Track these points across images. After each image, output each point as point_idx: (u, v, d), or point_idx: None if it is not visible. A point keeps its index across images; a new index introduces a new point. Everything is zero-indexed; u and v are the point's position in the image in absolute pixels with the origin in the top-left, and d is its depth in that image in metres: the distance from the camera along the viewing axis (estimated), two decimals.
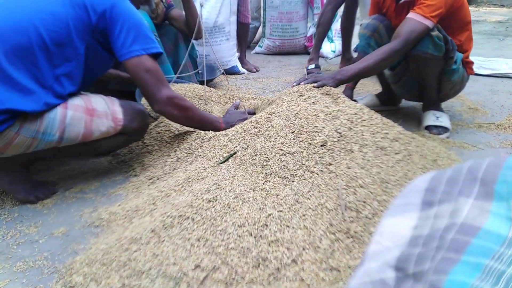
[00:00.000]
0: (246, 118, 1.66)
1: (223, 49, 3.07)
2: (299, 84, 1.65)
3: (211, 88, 2.18)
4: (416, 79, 1.89)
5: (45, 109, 1.25)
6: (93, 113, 1.36)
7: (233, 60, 3.18)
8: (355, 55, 2.58)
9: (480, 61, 3.04)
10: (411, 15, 1.66)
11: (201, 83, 2.14)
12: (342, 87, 2.03)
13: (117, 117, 1.41)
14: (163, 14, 2.26)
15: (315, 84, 1.61)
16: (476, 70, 1.95)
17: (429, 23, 1.62)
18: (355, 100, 1.95)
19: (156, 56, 1.40)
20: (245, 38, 3.39)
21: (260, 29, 4.07)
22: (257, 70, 3.24)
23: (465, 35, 1.81)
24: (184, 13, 2.27)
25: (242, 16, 3.20)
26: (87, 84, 1.47)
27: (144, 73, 1.35)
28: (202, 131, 1.57)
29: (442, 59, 1.72)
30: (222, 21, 3.03)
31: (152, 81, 1.37)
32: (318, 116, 1.36)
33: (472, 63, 1.91)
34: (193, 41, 2.29)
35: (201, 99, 1.91)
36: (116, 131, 1.42)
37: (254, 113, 1.77)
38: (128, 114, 1.44)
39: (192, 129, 1.61)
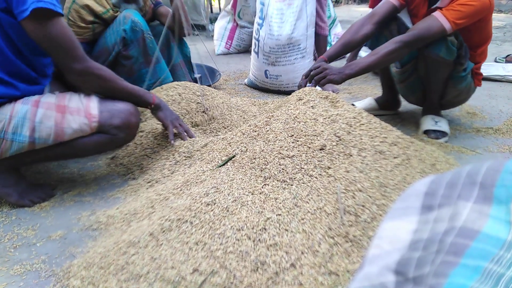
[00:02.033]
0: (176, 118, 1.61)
1: (297, 68, 2.60)
2: (309, 73, 1.71)
3: (211, 88, 2.16)
4: (423, 80, 1.88)
5: None
6: (65, 109, 1.29)
7: None
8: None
9: None
10: (436, 14, 1.63)
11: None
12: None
13: (91, 112, 1.32)
14: (151, 11, 2.25)
15: (322, 81, 1.65)
16: None
17: (448, 27, 1.60)
18: (353, 104, 1.95)
19: (59, 13, 1.24)
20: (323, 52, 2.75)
21: None
22: (334, 92, 2.56)
23: (482, 49, 1.80)
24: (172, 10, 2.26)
25: (318, 27, 2.77)
26: (41, 60, 1.34)
27: (55, 39, 1.22)
28: (196, 138, 1.57)
29: (452, 63, 1.72)
30: (297, 37, 2.55)
31: (66, 48, 1.25)
32: (317, 120, 1.36)
33: (481, 75, 1.89)
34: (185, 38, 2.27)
35: (199, 102, 1.91)
36: (92, 128, 1.33)
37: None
38: (106, 110, 1.34)
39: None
